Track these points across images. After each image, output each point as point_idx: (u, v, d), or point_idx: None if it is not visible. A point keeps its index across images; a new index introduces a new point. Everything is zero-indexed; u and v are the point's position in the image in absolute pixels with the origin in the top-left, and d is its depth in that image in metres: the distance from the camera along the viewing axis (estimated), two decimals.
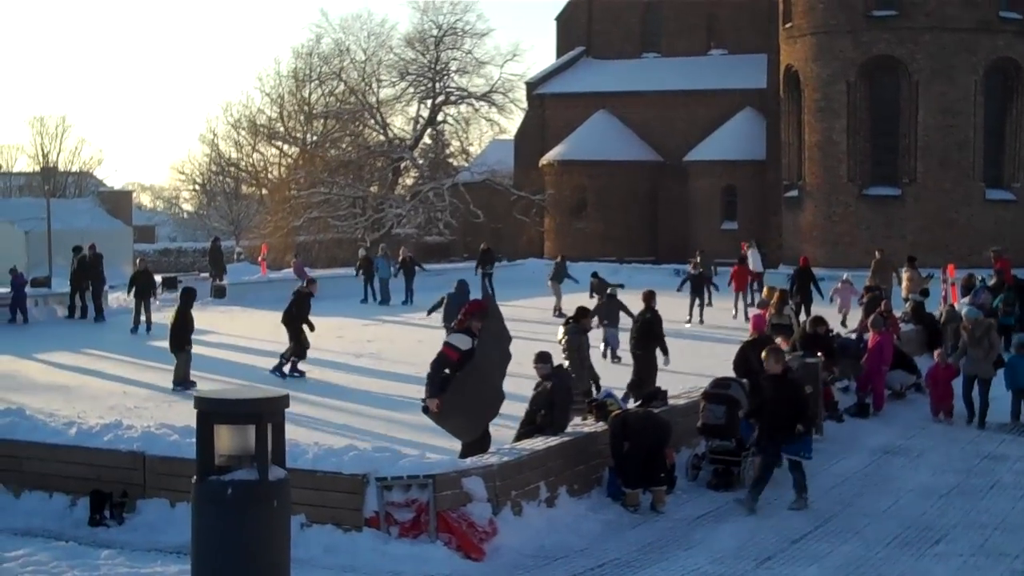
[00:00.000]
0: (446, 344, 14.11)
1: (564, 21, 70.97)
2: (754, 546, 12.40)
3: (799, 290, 32.49)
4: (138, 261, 31.92)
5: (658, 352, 20.10)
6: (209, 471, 7.57)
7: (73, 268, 35.23)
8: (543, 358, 14.67)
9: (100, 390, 22.12)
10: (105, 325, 33.42)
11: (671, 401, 16.16)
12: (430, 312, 28.15)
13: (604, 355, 24.94)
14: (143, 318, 31.64)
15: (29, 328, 32.64)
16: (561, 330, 18.71)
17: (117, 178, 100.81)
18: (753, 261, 38.89)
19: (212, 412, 7.66)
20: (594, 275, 34.38)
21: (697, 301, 33.94)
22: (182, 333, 22.13)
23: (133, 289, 32.30)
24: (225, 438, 7.60)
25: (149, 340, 30.05)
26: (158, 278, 44.49)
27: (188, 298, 22.67)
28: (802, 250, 52.33)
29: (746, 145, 59.95)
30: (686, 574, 11.44)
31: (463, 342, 13.89)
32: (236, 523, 7.45)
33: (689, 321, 32.84)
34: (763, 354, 14.37)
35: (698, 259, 36.30)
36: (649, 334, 20.17)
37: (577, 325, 18.38)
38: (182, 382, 21.70)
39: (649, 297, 20.77)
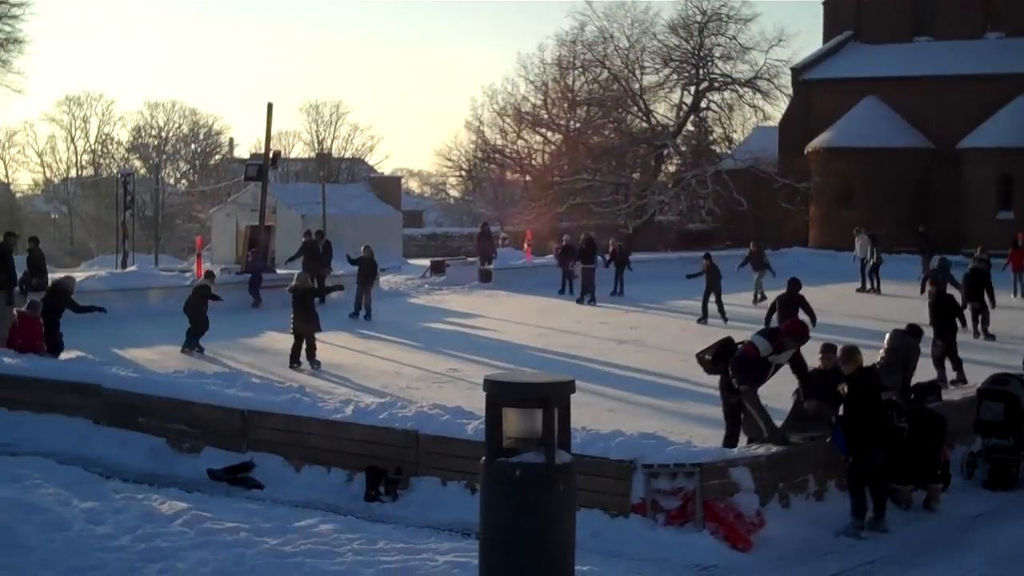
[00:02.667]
0: (749, 343, 13.78)
1: (831, 5, 69.33)
2: None
3: None
4: (363, 248, 32.19)
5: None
6: (498, 453, 7.76)
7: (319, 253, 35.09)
8: (831, 349, 14.32)
9: (373, 370, 22.86)
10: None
11: (946, 396, 15.68)
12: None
13: None
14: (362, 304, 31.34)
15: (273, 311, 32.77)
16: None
17: (387, 164, 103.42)
18: (860, 248, 41.31)
19: (501, 395, 7.85)
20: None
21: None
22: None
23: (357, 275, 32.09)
24: (513, 421, 7.77)
25: (420, 322, 30.83)
26: (426, 262, 46.09)
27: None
28: None
29: None
30: (962, 575, 11.11)
31: (764, 347, 13.63)
32: (523, 505, 7.61)
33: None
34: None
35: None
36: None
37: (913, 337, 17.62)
38: None
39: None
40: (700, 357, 14.39)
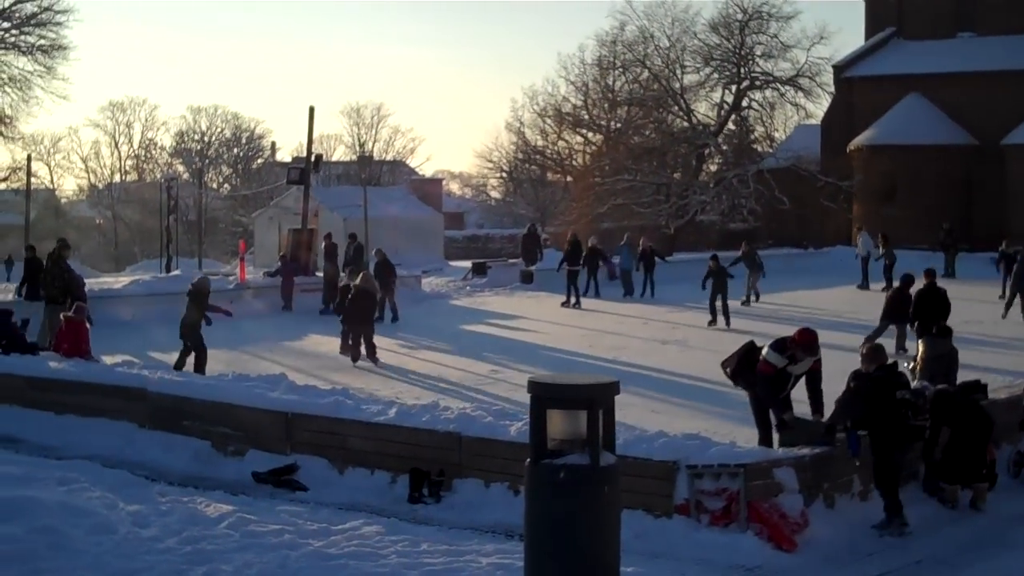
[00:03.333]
0: (764, 360, 13.75)
1: (873, 1, 68.93)
2: None
3: None
4: (375, 252, 32.05)
5: None
6: (542, 454, 7.76)
7: (348, 256, 34.77)
8: None
9: (415, 372, 22.91)
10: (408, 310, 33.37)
11: (992, 395, 15.53)
12: None
13: None
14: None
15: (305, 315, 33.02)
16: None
17: (428, 166, 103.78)
18: (863, 245, 41.78)
19: (545, 397, 7.85)
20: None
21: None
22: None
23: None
24: (557, 422, 7.76)
25: (462, 324, 30.88)
26: (467, 263, 46.23)
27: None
28: None
29: None
30: (1009, 575, 11.02)
31: (778, 360, 13.59)
32: (568, 506, 7.61)
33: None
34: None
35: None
36: None
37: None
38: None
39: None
40: (723, 368, 14.44)
